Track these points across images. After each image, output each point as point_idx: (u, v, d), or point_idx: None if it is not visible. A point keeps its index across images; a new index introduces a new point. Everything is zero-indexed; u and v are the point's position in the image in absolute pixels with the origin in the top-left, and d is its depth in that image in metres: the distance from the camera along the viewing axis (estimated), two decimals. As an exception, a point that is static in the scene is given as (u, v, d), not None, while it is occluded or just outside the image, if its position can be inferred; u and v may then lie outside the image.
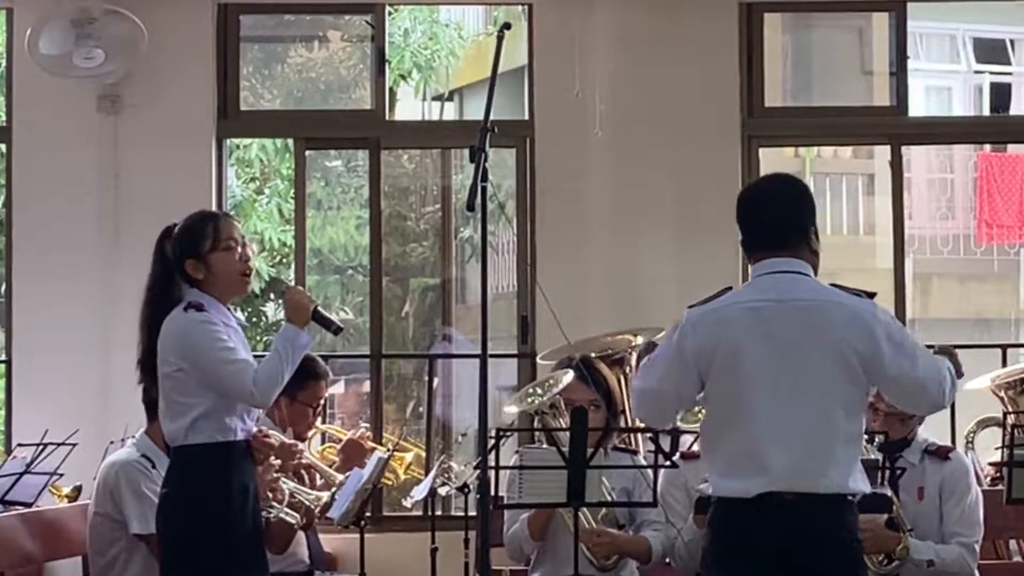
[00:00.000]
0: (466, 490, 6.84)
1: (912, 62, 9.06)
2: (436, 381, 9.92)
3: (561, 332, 5.97)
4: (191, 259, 5.34)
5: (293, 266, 9.24)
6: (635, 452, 6.31)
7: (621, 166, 8.53)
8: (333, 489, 6.59)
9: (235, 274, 5.38)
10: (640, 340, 7.31)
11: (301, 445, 6.35)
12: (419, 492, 7.19)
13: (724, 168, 8.40)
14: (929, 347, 5.09)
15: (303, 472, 6.48)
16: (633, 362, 7.18)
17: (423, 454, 8.30)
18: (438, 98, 13.83)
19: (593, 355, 6.41)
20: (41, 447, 7.22)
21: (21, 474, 7.20)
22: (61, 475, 7.37)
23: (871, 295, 4.83)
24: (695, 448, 6.17)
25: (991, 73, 15.21)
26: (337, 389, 11.98)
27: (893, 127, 8.86)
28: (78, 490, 7.63)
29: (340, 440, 7.33)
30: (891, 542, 5.78)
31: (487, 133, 5.20)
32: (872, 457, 5.66)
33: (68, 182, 8.48)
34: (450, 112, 13.89)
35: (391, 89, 10.43)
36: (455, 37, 13.37)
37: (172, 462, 5.35)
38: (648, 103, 8.54)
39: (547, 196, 8.60)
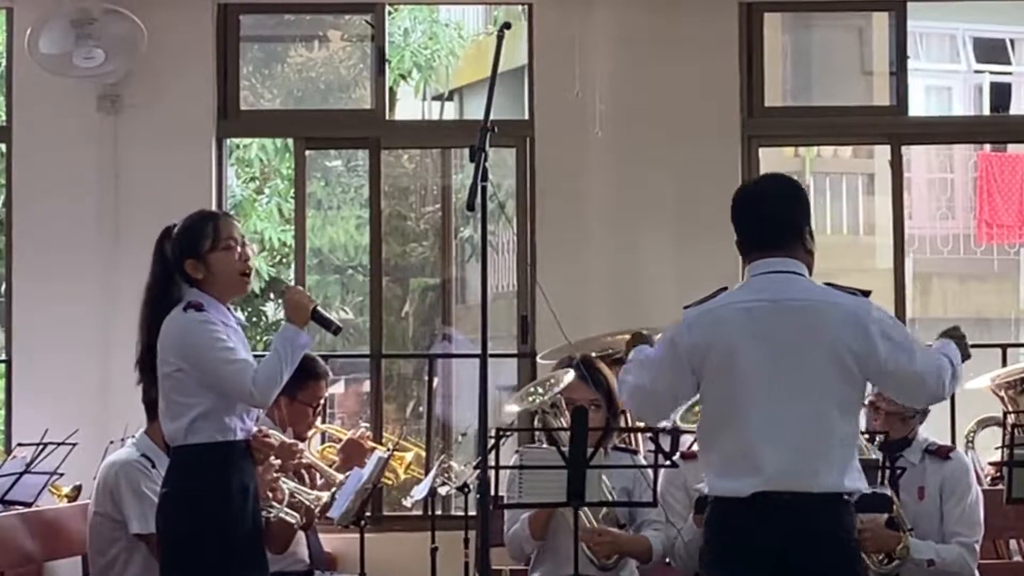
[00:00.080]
0: (466, 490, 6.84)
1: (912, 62, 9.06)
2: (436, 381, 9.92)
3: (561, 332, 5.97)
4: (191, 259, 5.33)
5: (293, 266, 9.24)
6: (635, 452, 6.31)
7: (621, 166, 8.53)
8: (333, 489, 6.59)
9: (235, 274, 5.38)
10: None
11: (301, 445, 6.35)
12: (419, 492, 7.19)
13: (724, 168, 8.39)
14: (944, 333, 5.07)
15: (303, 472, 6.48)
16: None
17: (423, 454, 8.30)
18: (438, 98, 13.83)
19: (593, 355, 6.41)
20: (41, 447, 7.22)
21: (21, 474, 7.20)
22: (61, 475, 7.37)
23: (866, 293, 4.84)
24: (695, 448, 6.16)
25: (991, 73, 15.20)
26: (337, 389, 11.97)
27: (893, 127, 8.86)
28: (78, 490, 7.63)
29: (340, 440, 7.32)
30: (891, 542, 5.78)
31: (487, 133, 5.20)
32: (873, 457, 5.67)
33: (68, 182, 8.48)
34: (450, 112, 13.89)
35: (391, 89, 10.43)
36: (455, 37, 13.36)
37: (172, 462, 5.35)
38: (648, 103, 8.54)
39: (547, 196, 8.59)
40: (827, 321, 4.71)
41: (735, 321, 4.74)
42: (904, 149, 9.00)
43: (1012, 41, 15.44)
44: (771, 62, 9.01)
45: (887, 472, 5.82)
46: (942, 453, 6.16)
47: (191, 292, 5.33)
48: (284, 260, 12.88)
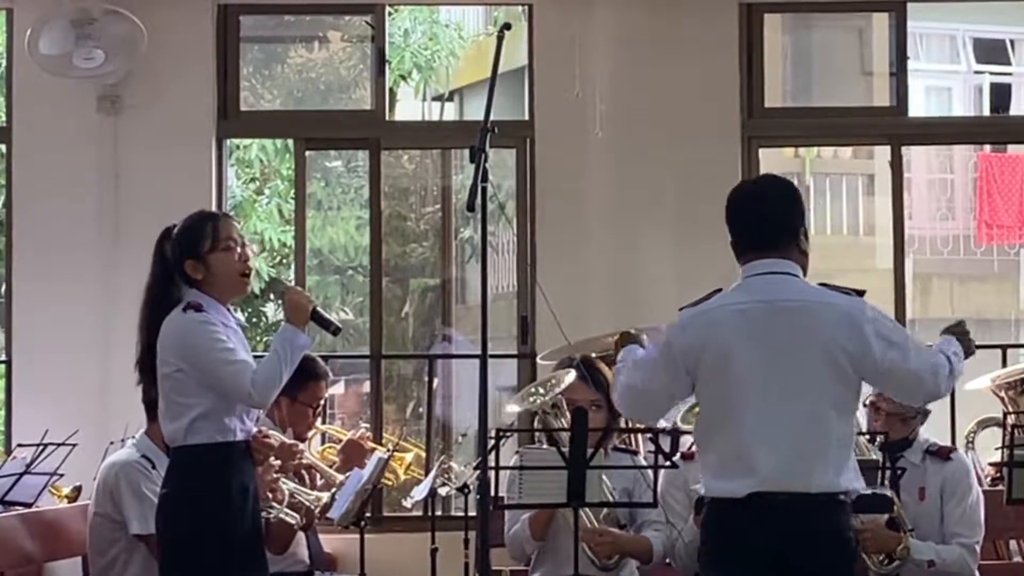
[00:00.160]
0: (466, 490, 6.84)
1: (912, 62, 9.06)
2: (436, 381, 9.91)
3: (561, 332, 5.97)
4: (190, 259, 5.33)
5: (293, 266, 9.24)
6: (635, 452, 6.32)
7: (621, 166, 8.53)
8: (333, 489, 6.59)
9: (234, 274, 5.37)
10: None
11: (301, 445, 6.35)
12: (419, 492, 7.18)
13: (724, 168, 8.38)
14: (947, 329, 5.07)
15: (303, 472, 6.48)
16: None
17: (423, 454, 8.30)
18: (438, 98, 13.83)
19: (593, 355, 6.41)
20: (41, 447, 7.22)
21: (21, 474, 7.20)
22: (61, 475, 7.36)
23: (860, 293, 4.84)
24: (694, 449, 6.17)
25: (991, 73, 15.20)
26: (337, 389, 11.97)
27: (893, 127, 8.86)
28: (78, 490, 7.63)
29: (340, 440, 7.32)
30: (892, 542, 5.79)
31: (487, 133, 5.20)
32: (873, 457, 5.67)
33: (68, 182, 8.48)
34: (450, 112, 13.89)
35: (391, 89, 10.43)
36: (455, 37, 13.37)
37: (171, 462, 5.35)
38: (648, 103, 8.54)
39: (547, 196, 8.59)
40: (821, 322, 4.72)
41: (730, 323, 4.75)
42: (904, 150, 9.00)
43: (1012, 42, 15.44)
44: (771, 63, 9.01)
45: (888, 473, 5.82)
46: (943, 454, 6.16)
47: (191, 293, 5.32)
48: (284, 261, 12.89)
